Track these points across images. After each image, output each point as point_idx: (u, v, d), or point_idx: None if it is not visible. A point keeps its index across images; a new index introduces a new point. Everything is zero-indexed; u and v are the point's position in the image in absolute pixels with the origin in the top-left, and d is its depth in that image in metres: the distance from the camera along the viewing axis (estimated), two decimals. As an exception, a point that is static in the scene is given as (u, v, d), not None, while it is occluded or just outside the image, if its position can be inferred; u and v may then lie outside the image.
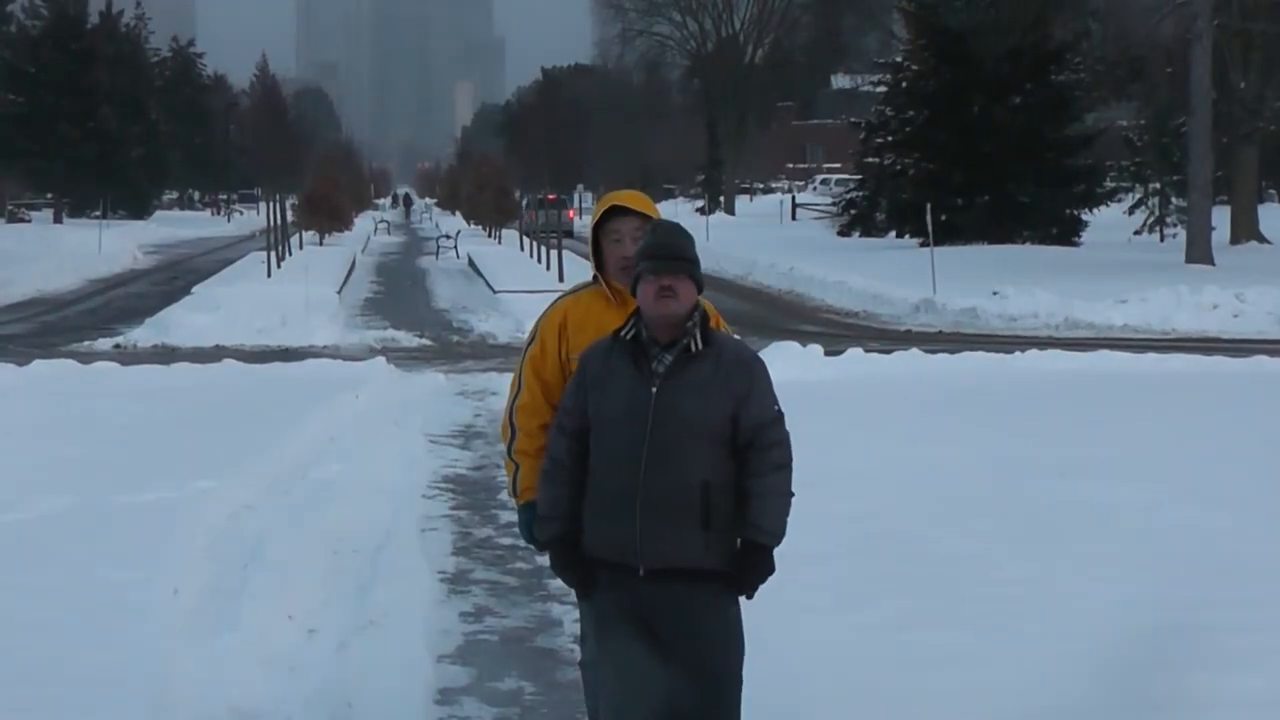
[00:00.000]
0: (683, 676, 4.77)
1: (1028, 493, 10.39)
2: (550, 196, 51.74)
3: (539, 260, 40.14)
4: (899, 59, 50.12)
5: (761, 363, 4.90)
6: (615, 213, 5.26)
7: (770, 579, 4.84)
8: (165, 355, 21.19)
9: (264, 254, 37.35)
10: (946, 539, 8.99)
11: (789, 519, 4.81)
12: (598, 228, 5.30)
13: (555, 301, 5.40)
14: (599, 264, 5.33)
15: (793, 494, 4.82)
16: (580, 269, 36.49)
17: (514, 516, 10.02)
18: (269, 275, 34.46)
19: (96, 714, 5.91)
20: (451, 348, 23.25)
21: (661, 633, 4.77)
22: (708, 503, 4.71)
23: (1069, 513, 9.70)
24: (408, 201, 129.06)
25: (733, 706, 4.87)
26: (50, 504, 9.77)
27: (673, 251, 4.78)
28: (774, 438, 4.80)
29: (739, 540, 4.80)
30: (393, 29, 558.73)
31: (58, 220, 69.83)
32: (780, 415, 4.86)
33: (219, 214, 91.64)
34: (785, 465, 4.82)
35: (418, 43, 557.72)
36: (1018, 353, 19.24)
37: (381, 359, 19.09)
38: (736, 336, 5.09)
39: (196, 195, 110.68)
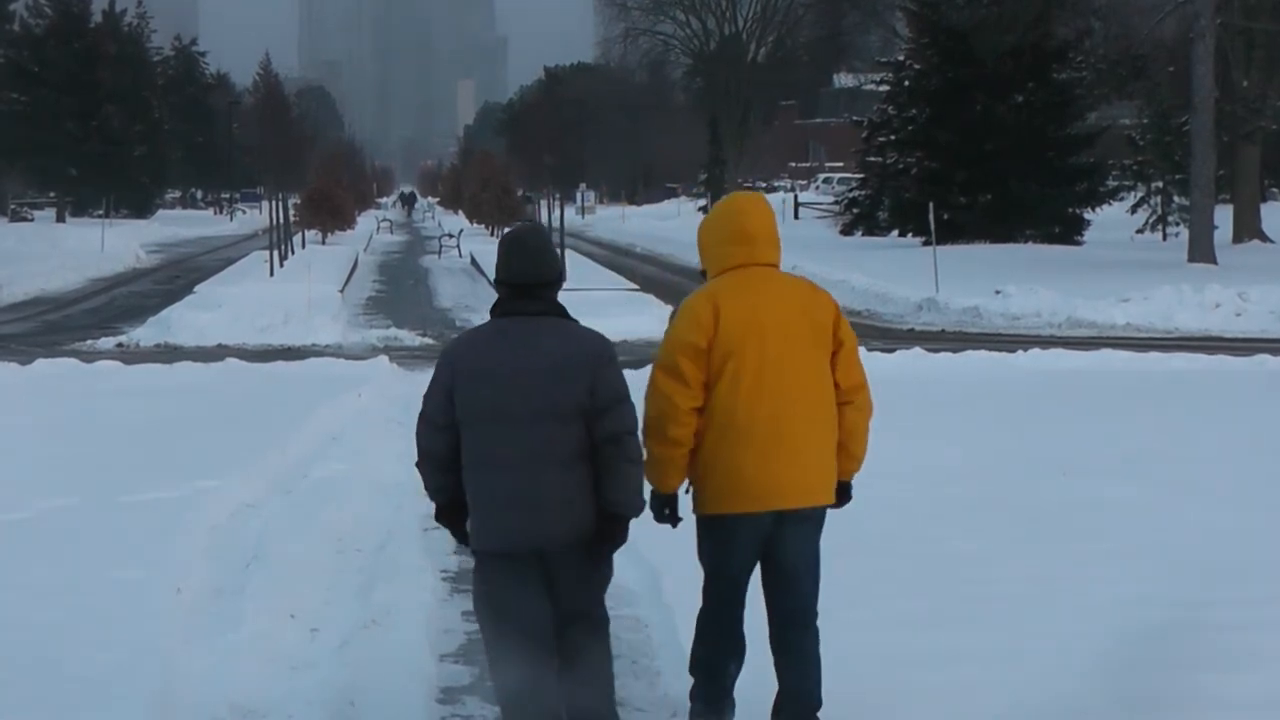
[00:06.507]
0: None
1: (1030, 491, 10.39)
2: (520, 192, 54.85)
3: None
4: (901, 57, 50.14)
5: None
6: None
7: None
8: (168, 354, 21.19)
9: (266, 253, 37.36)
10: (948, 538, 8.99)
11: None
12: None
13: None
14: None
15: None
16: (583, 269, 36.45)
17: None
18: (271, 274, 34.48)
19: (99, 712, 5.92)
20: (454, 347, 23.23)
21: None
22: None
23: (1071, 511, 9.70)
24: (410, 200, 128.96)
25: None
26: (52, 503, 9.78)
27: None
28: None
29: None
30: (395, 27, 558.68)
31: (60, 219, 69.83)
32: None
33: (221, 213, 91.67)
34: None
35: (420, 41, 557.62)
36: (1020, 351, 19.24)
37: (384, 358, 19.09)
38: None
39: (199, 194, 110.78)
